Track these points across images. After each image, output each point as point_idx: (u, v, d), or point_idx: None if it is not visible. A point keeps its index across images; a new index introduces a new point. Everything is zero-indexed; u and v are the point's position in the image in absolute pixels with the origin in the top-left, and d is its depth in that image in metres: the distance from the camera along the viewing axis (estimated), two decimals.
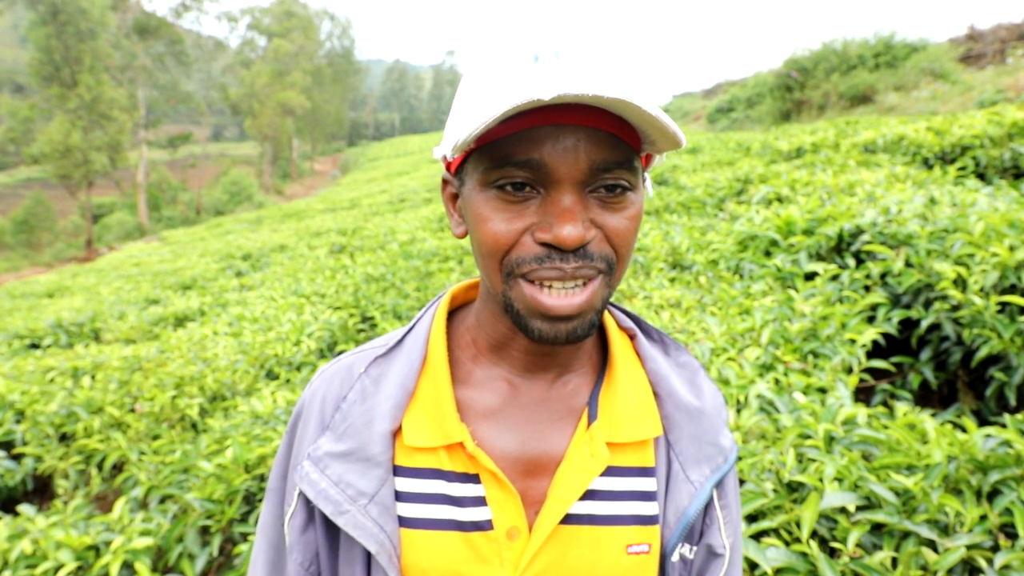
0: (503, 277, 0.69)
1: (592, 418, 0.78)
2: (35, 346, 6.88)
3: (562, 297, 0.67)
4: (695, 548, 0.82)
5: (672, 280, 4.41)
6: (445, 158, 0.74)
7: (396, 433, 0.76)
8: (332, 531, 0.78)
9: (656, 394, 0.82)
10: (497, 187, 0.67)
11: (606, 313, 0.85)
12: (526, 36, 0.68)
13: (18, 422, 3.95)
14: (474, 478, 0.75)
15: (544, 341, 0.70)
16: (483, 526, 0.74)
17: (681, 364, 0.86)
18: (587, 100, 0.59)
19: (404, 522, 0.75)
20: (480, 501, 0.74)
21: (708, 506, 0.83)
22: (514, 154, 0.65)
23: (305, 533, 0.79)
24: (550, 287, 0.68)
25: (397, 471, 0.76)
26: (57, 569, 2.40)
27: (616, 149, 0.66)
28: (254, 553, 0.86)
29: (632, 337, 0.86)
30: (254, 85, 53.83)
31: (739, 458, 2.09)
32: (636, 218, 0.70)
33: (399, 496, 0.75)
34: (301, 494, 0.78)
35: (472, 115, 0.64)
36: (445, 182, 0.79)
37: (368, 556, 0.75)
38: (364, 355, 0.82)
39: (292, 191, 52.73)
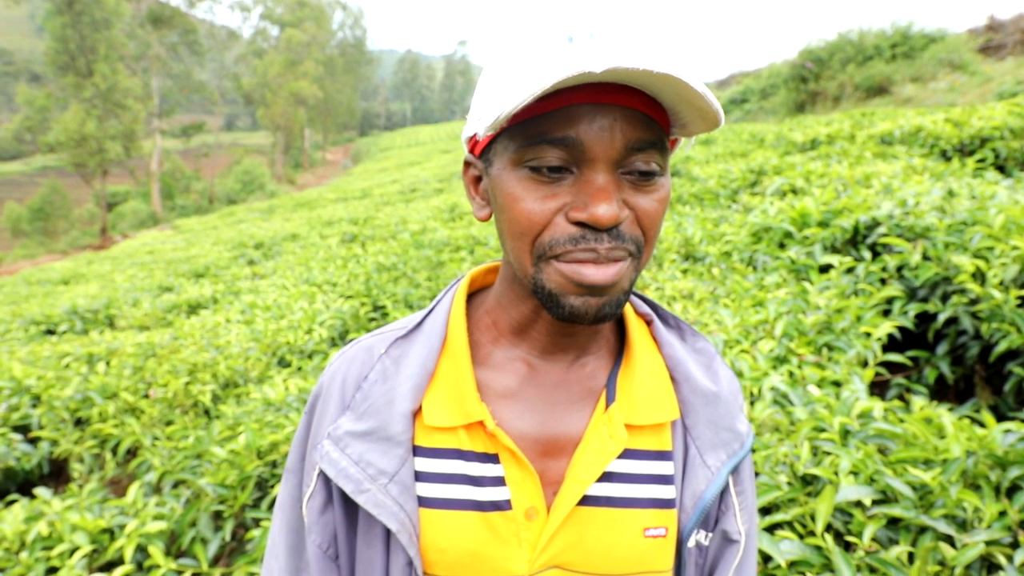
0: (533, 260, 0.69)
1: (610, 400, 0.78)
2: (51, 332, 6.95)
3: (598, 267, 0.67)
4: (710, 534, 0.82)
5: (685, 272, 4.38)
6: (474, 138, 0.73)
7: (416, 413, 0.76)
8: (351, 511, 0.78)
9: (673, 379, 0.82)
10: (530, 166, 0.66)
11: None
12: (557, 18, 0.68)
13: (34, 406, 3.99)
14: (493, 458, 0.75)
15: (575, 317, 0.69)
16: (502, 506, 0.74)
17: (698, 350, 0.86)
18: (636, 76, 0.59)
19: (423, 502, 0.75)
20: (499, 481, 0.74)
21: (724, 492, 0.82)
22: (549, 131, 0.64)
23: (324, 514, 0.79)
24: (582, 267, 0.67)
25: (417, 451, 0.76)
26: (72, 551, 2.42)
27: (650, 129, 0.66)
28: (272, 535, 0.86)
29: (649, 323, 0.86)
30: (266, 75, 53.94)
31: (753, 450, 2.08)
32: (665, 201, 0.69)
33: (419, 476, 0.75)
34: (320, 474, 0.78)
35: (509, 92, 0.63)
36: (467, 164, 0.78)
37: (388, 535, 0.75)
38: (384, 337, 0.82)
39: (304, 180, 52.86)
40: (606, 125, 0.64)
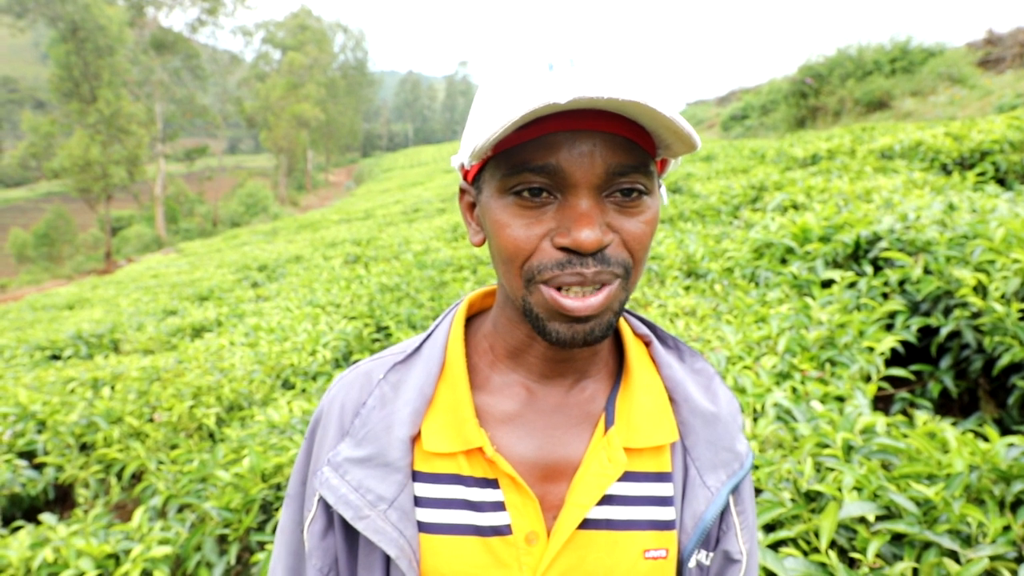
0: (523, 283, 0.70)
1: (609, 423, 0.79)
2: (56, 357, 6.97)
3: (580, 298, 0.68)
4: (712, 554, 0.82)
5: (687, 288, 4.39)
6: (463, 167, 0.75)
7: (415, 439, 0.77)
8: (351, 536, 0.78)
9: (672, 400, 0.82)
10: (515, 193, 0.68)
11: (622, 320, 0.86)
12: (540, 45, 0.70)
13: (40, 432, 4.00)
14: (493, 483, 0.75)
15: (562, 343, 0.70)
16: (502, 531, 0.74)
17: (696, 370, 0.87)
18: (602, 104, 0.60)
19: (424, 527, 0.75)
20: (499, 506, 0.75)
21: (724, 512, 0.83)
22: (531, 160, 0.66)
23: (324, 539, 0.79)
24: (568, 290, 0.68)
25: (416, 476, 0.76)
26: None
27: (632, 153, 0.67)
28: (273, 559, 0.87)
29: (648, 344, 0.86)
30: (269, 98, 54.37)
31: (756, 467, 2.08)
32: (652, 222, 0.70)
33: (418, 501, 0.76)
34: (321, 500, 0.79)
35: (488, 122, 0.65)
36: (462, 191, 0.80)
37: (387, 561, 0.75)
38: (383, 361, 0.83)
39: (307, 202, 53.10)
40: (585, 151, 0.65)
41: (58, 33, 36.81)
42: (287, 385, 4.58)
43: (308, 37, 61.58)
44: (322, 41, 63.27)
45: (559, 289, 0.68)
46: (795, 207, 6.03)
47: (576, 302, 0.68)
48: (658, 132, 0.67)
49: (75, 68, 36.74)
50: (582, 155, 0.65)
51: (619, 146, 0.66)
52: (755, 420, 2.40)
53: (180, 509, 2.89)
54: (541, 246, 0.68)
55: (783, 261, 4.46)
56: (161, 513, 2.95)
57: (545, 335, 0.71)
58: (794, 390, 2.67)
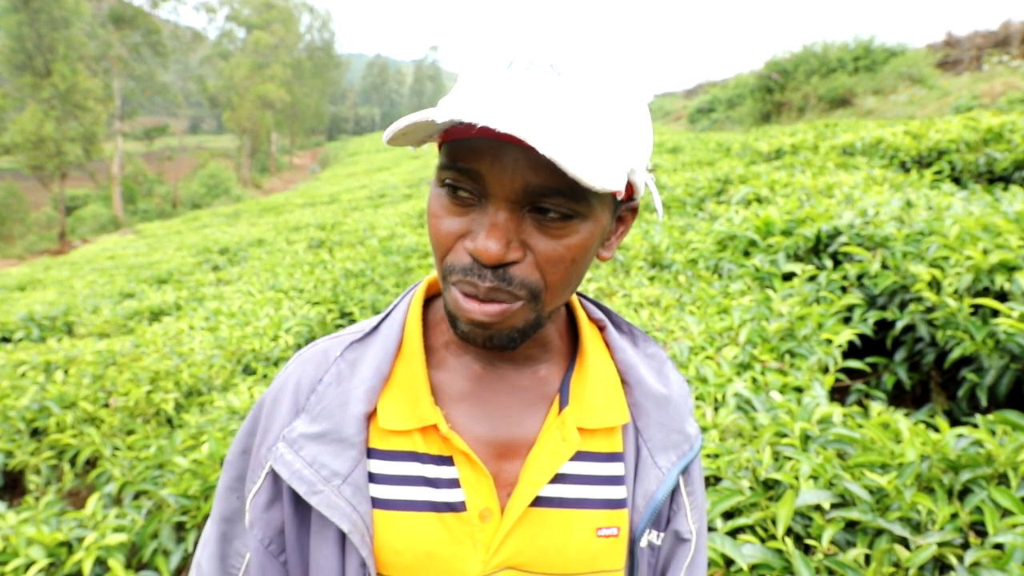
0: (442, 276, 0.71)
1: (563, 404, 0.80)
2: (6, 340, 6.76)
3: (477, 304, 0.68)
4: (663, 534, 0.84)
5: (651, 279, 4.43)
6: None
7: (371, 416, 0.77)
8: (303, 512, 0.78)
9: (625, 383, 0.84)
10: (446, 186, 0.68)
11: (577, 306, 0.87)
12: (509, 40, 0.68)
13: None
14: (448, 460, 0.76)
15: (468, 341, 0.72)
16: (456, 507, 0.75)
17: (649, 355, 0.88)
18: (509, 135, 0.58)
19: (379, 503, 0.75)
20: (454, 483, 0.75)
21: (675, 492, 0.85)
22: (459, 160, 0.65)
23: (269, 510, 0.79)
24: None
25: (371, 453, 0.76)
26: (28, 566, 2.36)
27: (556, 175, 0.62)
28: (207, 525, 0.88)
29: (602, 328, 0.87)
30: (233, 77, 53.26)
31: (716, 455, 2.11)
32: (578, 248, 0.67)
33: (373, 478, 0.76)
34: (270, 473, 0.78)
35: (427, 108, 0.65)
36: None
37: (342, 536, 0.75)
38: (340, 340, 0.83)
39: (270, 185, 52.27)
40: (507, 165, 0.62)
41: (9, 3, 35.45)
42: (248, 370, 4.52)
43: (274, 16, 60.39)
44: (288, 20, 62.12)
45: (462, 293, 0.69)
46: (759, 200, 6.12)
47: (472, 306, 0.68)
48: None
49: (28, 40, 35.45)
50: (503, 168, 0.62)
51: (543, 166, 0.62)
52: (716, 410, 2.43)
53: (136, 496, 2.83)
54: (456, 245, 0.68)
55: (746, 254, 4.53)
56: (116, 500, 2.89)
57: (455, 330, 0.72)
58: (754, 380, 2.72)
